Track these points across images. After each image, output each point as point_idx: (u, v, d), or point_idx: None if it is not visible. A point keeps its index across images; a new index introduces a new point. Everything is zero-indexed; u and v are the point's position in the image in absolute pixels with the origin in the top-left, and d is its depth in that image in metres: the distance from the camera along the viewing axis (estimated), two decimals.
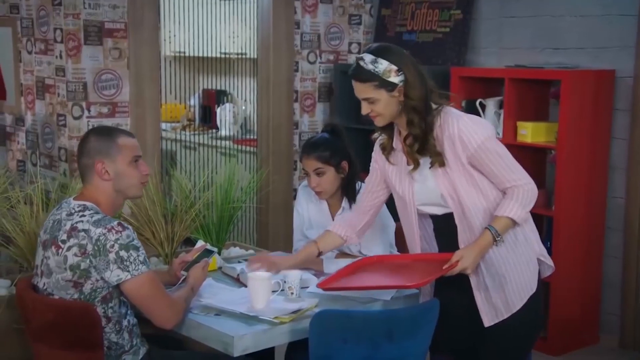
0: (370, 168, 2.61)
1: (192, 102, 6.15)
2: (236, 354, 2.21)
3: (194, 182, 3.22)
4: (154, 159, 4.18)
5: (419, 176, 2.41)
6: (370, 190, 2.64)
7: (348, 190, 2.93)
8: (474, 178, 2.36)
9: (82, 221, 2.25)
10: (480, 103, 4.25)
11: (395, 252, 3.01)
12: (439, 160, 2.34)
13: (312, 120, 4.92)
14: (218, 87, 6.14)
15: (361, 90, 2.36)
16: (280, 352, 2.86)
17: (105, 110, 4.04)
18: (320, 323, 2.17)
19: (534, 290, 2.40)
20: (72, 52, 3.89)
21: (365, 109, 2.37)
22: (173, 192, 3.10)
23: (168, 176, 4.07)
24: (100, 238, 2.21)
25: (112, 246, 2.21)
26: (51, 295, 2.27)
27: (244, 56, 5.62)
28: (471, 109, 4.28)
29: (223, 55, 5.82)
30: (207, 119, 6.08)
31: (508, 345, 2.44)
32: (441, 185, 2.36)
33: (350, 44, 5.03)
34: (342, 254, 2.92)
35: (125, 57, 4.06)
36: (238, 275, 2.73)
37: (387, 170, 2.53)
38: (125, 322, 2.32)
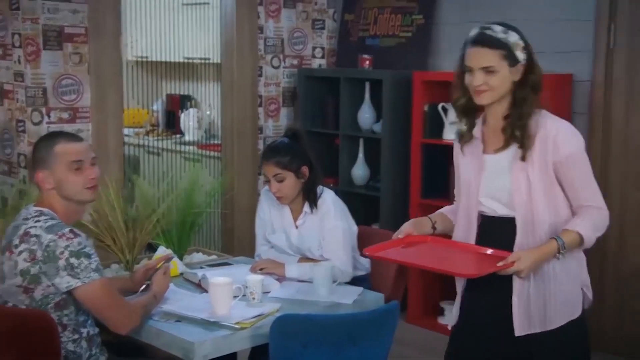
0: (455, 168, 2.49)
1: (155, 107, 6.09)
2: (196, 359, 2.19)
3: (157, 188, 3.18)
4: (116, 164, 4.14)
5: (493, 167, 2.29)
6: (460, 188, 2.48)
7: (309, 195, 2.92)
8: (552, 189, 2.24)
9: (35, 226, 2.23)
10: (443, 107, 4.28)
11: (358, 255, 3.00)
12: (529, 146, 2.21)
13: (277, 125, 4.90)
14: (182, 92, 6.08)
15: (483, 57, 2.19)
16: (243, 357, 2.83)
17: (65, 115, 3.98)
18: (281, 328, 2.16)
19: (577, 315, 2.29)
20: (30, 57, 3.83)
21: (478, 79, 2.19)
22: (136, 197, 3.06)
23: (131, 182, 4.03)
24: (50, 244, 2.19)
25: (62, 253, 2.19)
26: (6, 302, 2.23)
27: (207, 61, 5.58)
28: (434, 113, 4.31)
29: (187, 60, 5.77)
30: (171, 124, 6.03)
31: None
32: (515, 181, 2.23)
33: (314, 48, 5.02)
34: (305, 259, 2.91)
35: (86, 62, 4.01)
36: (199, 281, 2.71)
37: (459, 162, 2.42)
38: (84, 331, 2.28)
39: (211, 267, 2.96)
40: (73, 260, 2.19)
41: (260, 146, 4.81)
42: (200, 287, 2.70)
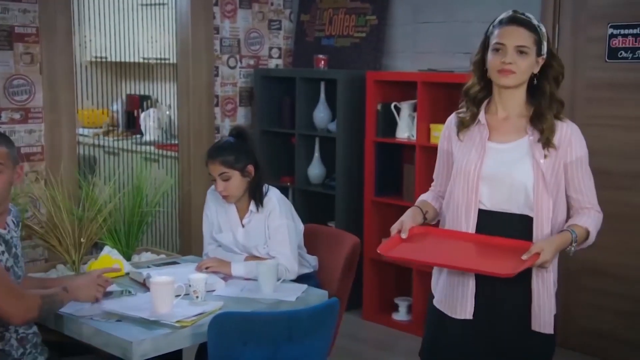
0: (438, 156, 2.44)
1: (115, 108, 6.04)
2: (135, 359, 2.17)
3: (113, 188, 3.14)
4: (70, 165, 4.09)
5: (498, 156, 2.22)
6: (443, 174, 2.41)
7: (255, 194, 2.91)
8: (561, 189, 2.23)
9: None
10: (395, 106, 4.30)
11: (304, 253, 3.00)
12: (551, 136, 2.18)
13: (234, 124, 4.89)
14: (141, 93, 6.04)
15: (519, 36, 2.18)
16: (189, 356, 2.82)
17: (17, 116, 3.93)
18: (219, 326, 2.15)
19: (553, 329, 2.33)
20: None
21: (511, 57, 2.17)
22: (81, 197, 3.03)
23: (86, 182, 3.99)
24: None
25: None
26: None
27: (165, 61, 5.54)
28: (387, 112, 4.33)
29: (145, 61, 5.73)
30: (131, 124, 5.98)
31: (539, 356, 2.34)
32: (534, 177, 2.18)
33: (270, 48, 5.02)
34: (251, 257, 2.90)
35: (38, 62, 3.96)
36: (144, 280, 2.69)
37: (452, 148, 2.35)
38: (10, 328, 2.24)
39: (158, 266, 2.94)
40: None
41: None
42: (145, 286, 2.68)
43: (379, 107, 4.35)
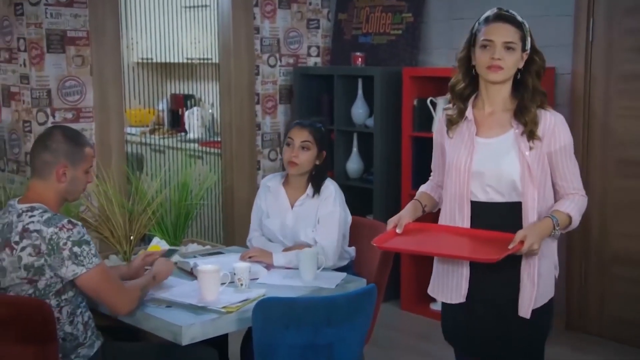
0: (434, 148, 2.53)
1: (160, 107, 6.18)
2: (184, 342, 2.26)
3: (160, 183, 3.26)
4: (119, 162, 4.22)
5: (487, 150, 2.29)
6: (440, 166, 2.49)
7: (317, 179, 2.98)
8: (547, 177, 2.30)
9: (32, 222, 2.28)
10: (431, 101, 4.34)
11: (346, 245, 3.06)
12: (534, 128, 2.25)
13: (274, 122, 4.98)
14: (185, 92, 6.17)
15: (507, 32, 2.24)
16: (235, 342, 2.92)
17: (69, 115, 4.07)
18: (262, 311, 2.23)
19: (553, 294, 2.40)
20: (35, 60, 3.93)
21: (500, 53, 2.23)
22: (131, 192, 3.15)
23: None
24: (53, 237, 2.25)
25: (65, 244, 2.26)
26: (6, 291, 2.31)
27: (208, 61, 5.66)
28: (423, 107, 4.37)
29: (188, 61, 5.86)
30: (176, 122, 6.12)
31: (528, 340, 2.36)
32: (521, 167, 2.25)
33: (309, 47, 5.09)
34: (288, 248, 2.96)
35: (88, 64, 4.10)
36: (191, 269, 2.79)
37: (444, 143, 2.41)
38: (78, 313, 2.36)
39: (204, 256, 3.04)
40: (76, 249, 2.26)
41: (259, 142, 4.89)
42: (192, 275, 2.78)
43: (415, 102, 4.39)
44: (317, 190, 2.98)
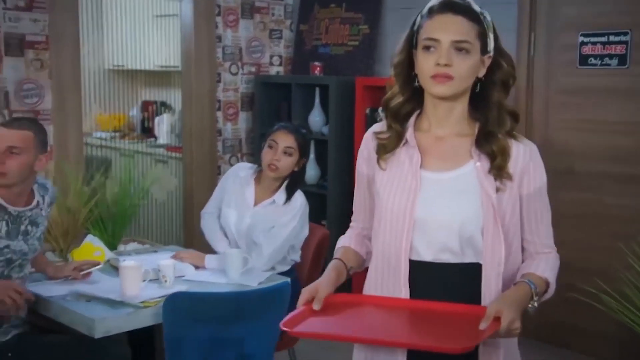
0: (356, 182, 1.84)
1: (132, 113, 6.20)
2: (97, 335, 2.26)
3: (112, 184, 3.26)
4: (76, 163, 4.22)
5: (436, 189, 1.64)
6: (366, 207, 1.81)
7: (290, 185, 2.93)
8: (517, 227, 1.67)
9: None
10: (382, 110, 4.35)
11: (296, 255, 2.99)
12: (504, 162, 1.62)
13: (235, 128, 4.99)
14: (157, 99, 6.19)
15: (457, 28, 1.60)
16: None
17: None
18: (172, 305, 2.23)
19: None
20: None
21: (446, 56, 1.58)
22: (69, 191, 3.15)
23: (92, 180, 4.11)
24: None
25: None
26: None
27: (177, 69, 5.68)
28: (374, 116, 4.39)
29: (160, 69, 5.87)
30: (146, 128, 6.14)
31: None
32: (485, 214, 1.60)
33: (271, 56, 5.11)
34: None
35: (47, 68, 4.10)
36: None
37: (373, 177, 1.73)
38: None
39: (139, 254, 3.04)
40: None
41: (220, 147, 4.90)
42: None
43: (367, 111, 4.41)
44: (288, 197, 2.92)
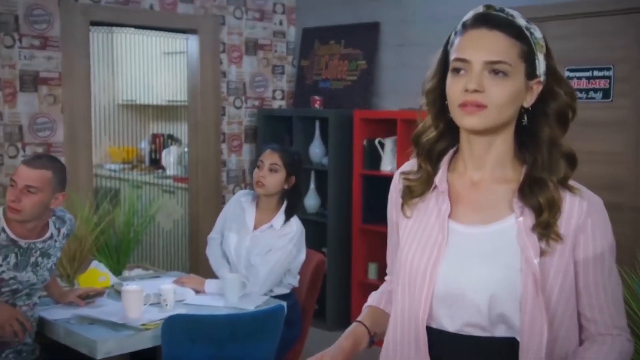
0: (388, 230, 1.55)
1: (142, 145, 6.32)
2: (99, 356, 2.33)
3: (119, 213, 3.34)
4: (86, 194, 4.32)
5: (467, 246, 1.33)
6: (396, 256, 1.49)
7: (288, 207, 3.00)
8: (571, 300, 1.33)
9: None
10: (379, 142, 4.45)
11: (294, 280, 3.03)
12: (553, 219, 1.29)
13: (239, 159, 5.10)
14: (166, 132, 6.32)
15: (492, 45, 1.28)
16: None
17: (40, 150, 4.19)
18: (170, 327, 2.31)
19: None
20: (8, 98, 4.07)
21: (475, 81, 1.27)
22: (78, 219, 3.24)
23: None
24: None
25: None
26: None
27: (185, 103, 5.81)
28: (372, 147, 4.48)
29: (169, 103, 6.01)
30: (155, 160, 6.26)
31: None
32: (525, 279, 1.28)
33: (274, 91, 5.24)
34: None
35: (60, 103, 4.23)
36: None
37: (400, 224, 1.46)
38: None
39: (142, 279, 3.12)
40: None
41: (224, 178, 5.00)
42: None
43: (364, 142, 4.51)
44: (287, 218, 2.99)
